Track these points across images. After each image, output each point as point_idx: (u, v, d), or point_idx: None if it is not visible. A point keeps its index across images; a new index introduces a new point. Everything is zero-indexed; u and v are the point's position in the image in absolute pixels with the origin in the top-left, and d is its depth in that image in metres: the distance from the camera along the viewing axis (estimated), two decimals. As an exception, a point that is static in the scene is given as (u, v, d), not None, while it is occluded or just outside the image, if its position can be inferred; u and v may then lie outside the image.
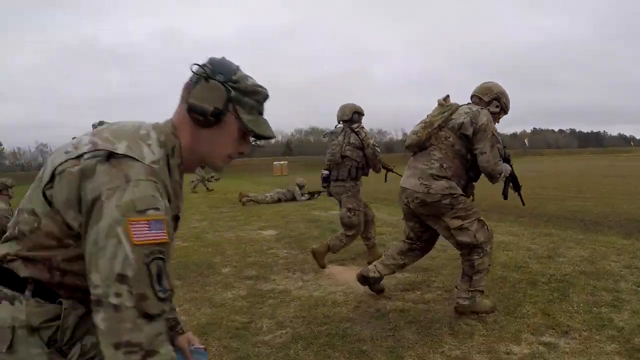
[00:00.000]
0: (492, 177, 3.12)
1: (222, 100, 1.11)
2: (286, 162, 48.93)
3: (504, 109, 3.32)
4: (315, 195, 12.63)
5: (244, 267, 4.85)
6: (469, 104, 3.28)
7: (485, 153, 3.02)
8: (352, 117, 4.81)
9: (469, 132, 3.04)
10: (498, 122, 3.31)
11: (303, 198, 12.18)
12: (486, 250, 3.13)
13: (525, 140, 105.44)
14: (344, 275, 4.45)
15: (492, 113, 3.21)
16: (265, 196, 11.80)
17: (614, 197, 16.55)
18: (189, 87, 1.15)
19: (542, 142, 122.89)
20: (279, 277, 4.44)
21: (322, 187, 5.16)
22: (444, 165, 3.08)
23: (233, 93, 1.12)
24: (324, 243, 4.75)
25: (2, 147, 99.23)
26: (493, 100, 3.27)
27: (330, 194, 5.07)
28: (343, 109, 4.87)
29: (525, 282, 3.89)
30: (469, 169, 3.18)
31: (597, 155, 78.08)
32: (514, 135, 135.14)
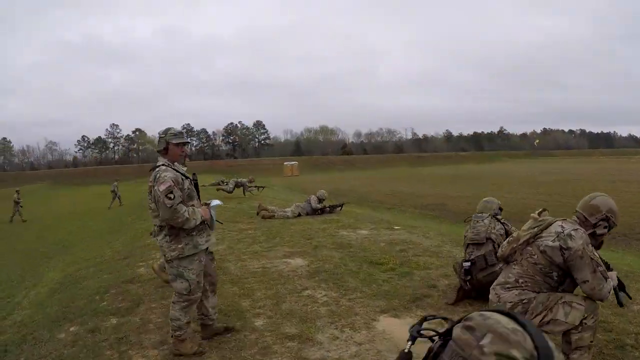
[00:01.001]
0: (600, 300, 2.84)
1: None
2: (296, 162, 48.55)
3: (612, 227, 2.99)
4: (338, 209, 11.91)
5: (280, 319, 4.13)
6: (564, 220, 2.91)
7: (588, 281, 2.73)
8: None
9: (558, 259, 2.77)
10: (601, 243, 3.03)
11: (319, 205, 11.41)
12: (585, 324, 2.76)
13: (535, 142, 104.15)
14: (402, 333, 3.72)
15: (599, 235, 2.95)
16: (285, 211, 11.07)
17: (636, 206, 15.85)
18: None
19: (552, 142, 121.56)
20: (325, 338, 3.70)
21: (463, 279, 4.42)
22: (520, 280, 2.87)
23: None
24: None
25: (12, 145, 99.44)
26: (600, 222, 2.93)
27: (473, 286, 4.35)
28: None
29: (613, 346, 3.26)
30: (558, 286, 2.88)
31: (608, 157, 76.98)
32: (524, 135, 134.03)
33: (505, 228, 4.54)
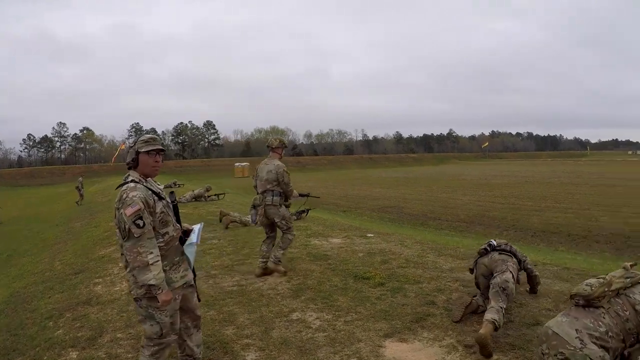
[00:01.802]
0: None
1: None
2: (247, 163, 47.77)
3: None
4: (304, 214, 11.43)
5: (274, 351, 3.61)
6: None
7: None
8: None
9: None
10: None
11: (294, 218, 10.92)
12: None
13: (484, 145, 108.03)
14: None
15: None
16: (248, 218, 10.43)
17: (590, 208, 16.46)
18: None
19: (500, 145, 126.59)
20: (331, 373, 3.23)
21: None
22: (609, 334, 2.50)
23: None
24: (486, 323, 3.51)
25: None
26: None
27: None
28: None
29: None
30: (628, 346, 2.58)
31: (555, 159, 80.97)
32: (473, 138, 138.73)
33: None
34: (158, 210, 2.83)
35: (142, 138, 2.93)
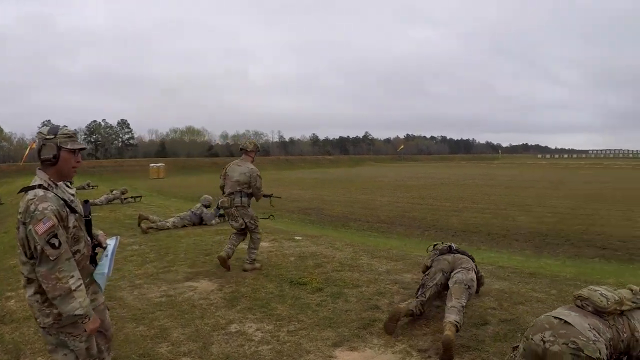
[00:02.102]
0: None
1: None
2: (163, 164, 45.88)
3: None
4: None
5: (216, 370, 3.30)
6: None
7: None
8: None
9: (636, 350, 2.62)
10: None
11: (214, 222, 10.47)
12: None
13: (400, 149, 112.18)
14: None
15: None
16: (166, 222, 9.84)
17: (506, 208, 17.57)
18: None
19: (415, 148, 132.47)
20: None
21: None
22: (611, 343, 2.56)
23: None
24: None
25: None
26: None
27: None
28: None
29: None
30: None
31: (468, 162, 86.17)
32: (388, 140, 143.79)
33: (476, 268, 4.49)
34: (70, 224, 2.34)
35: (63, 131, 2.40)
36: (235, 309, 4.55)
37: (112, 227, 9.96)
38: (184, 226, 9.99)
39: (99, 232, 2.65)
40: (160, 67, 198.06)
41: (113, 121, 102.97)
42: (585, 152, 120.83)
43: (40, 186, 2.30)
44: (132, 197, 16.10)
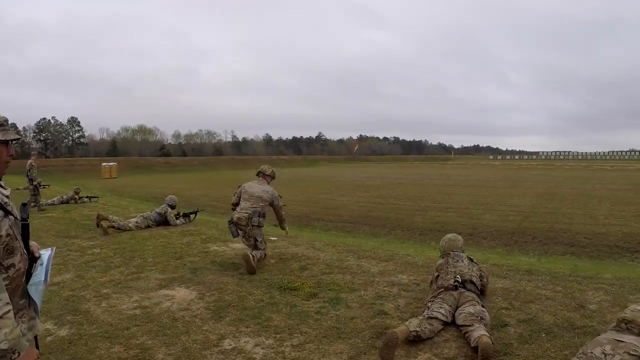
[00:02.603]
0: None
1: None
2: (115, 163, 43.97)
3: None
4: (192, 216, 10.33)
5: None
6: None
7: None
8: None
9: None
10: None
11: (179, 222, 9.78)
12: None
13: (355, 149, 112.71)
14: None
15: None
16: (128, 223, 9.06)
17: (469, 207, 17.68)
18: None
19: (368, 149, 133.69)
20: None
21: None
22: None
23: None
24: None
25: None
26: None
27: None
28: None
29: None
30: None
31: (421, 162, 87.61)
32: (341, 141, 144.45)
33: (480, 272, 4.43)
34: (3, 232, 1.75)
35: None
36: (224, 322, 4.01)
37: (69, 229, 9.08)
38: (148, 226, 9.26)
39: (32, 243, 2.04)
40: (112, 65, 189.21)
41: (63, 119, 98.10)
42: (536, 153, 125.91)
43: None
44: (87, 197, 15.17)
